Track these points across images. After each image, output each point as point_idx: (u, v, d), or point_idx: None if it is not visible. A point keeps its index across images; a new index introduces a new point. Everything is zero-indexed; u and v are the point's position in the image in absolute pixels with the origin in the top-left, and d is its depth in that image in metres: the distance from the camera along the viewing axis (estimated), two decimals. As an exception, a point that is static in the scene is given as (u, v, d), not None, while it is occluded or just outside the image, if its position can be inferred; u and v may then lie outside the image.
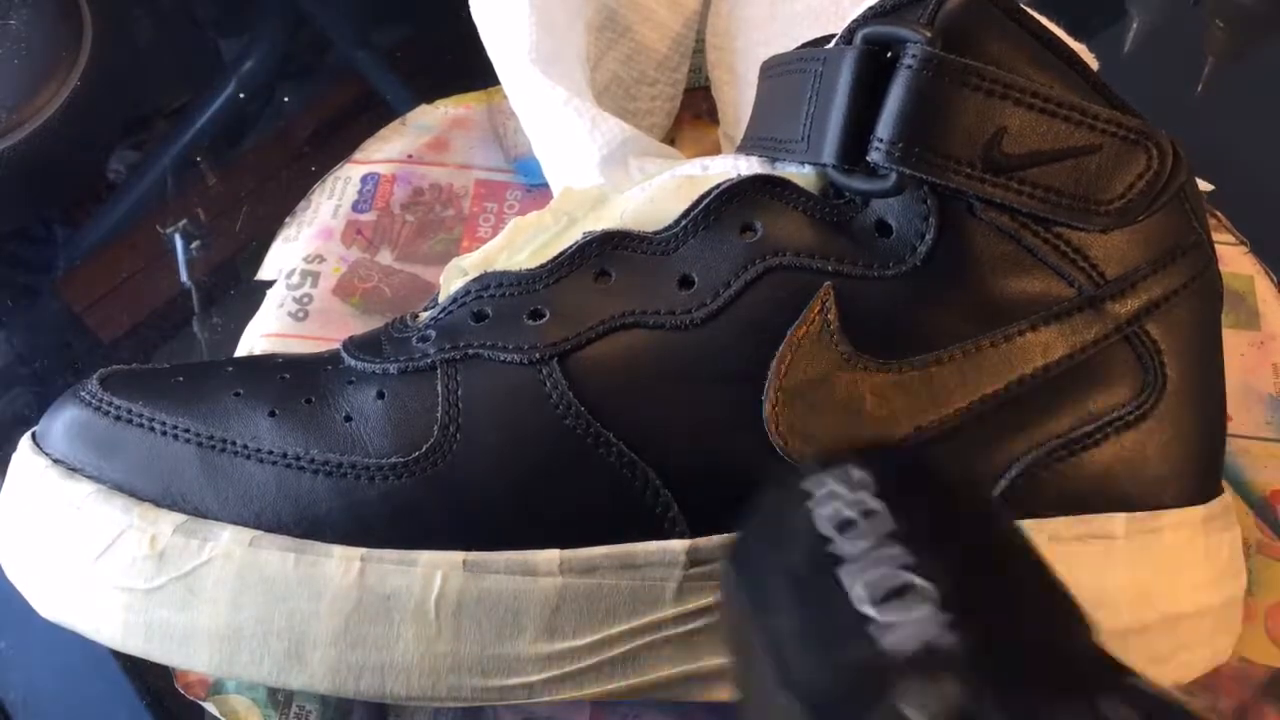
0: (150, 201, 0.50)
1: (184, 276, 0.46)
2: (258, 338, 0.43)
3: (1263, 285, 0.43)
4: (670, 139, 0.47)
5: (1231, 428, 0.40)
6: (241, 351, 0.43)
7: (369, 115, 0.50)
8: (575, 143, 0.39)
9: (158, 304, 0.46)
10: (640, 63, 0.44)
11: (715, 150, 0.47)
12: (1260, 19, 0.53)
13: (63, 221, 0.51)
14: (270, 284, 0.45)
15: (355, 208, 0.47)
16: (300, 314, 0.44)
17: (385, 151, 0.49)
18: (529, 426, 0.28)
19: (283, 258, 0.45)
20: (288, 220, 0.47)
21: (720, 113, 0.45)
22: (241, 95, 0.54)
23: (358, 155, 0.48)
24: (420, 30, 0.57)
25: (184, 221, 0.48)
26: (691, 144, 0.48)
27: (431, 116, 0.49)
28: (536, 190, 0.47)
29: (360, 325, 0.44)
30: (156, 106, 0.54)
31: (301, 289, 0.45)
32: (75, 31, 0.48)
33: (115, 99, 0.51)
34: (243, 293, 0.45)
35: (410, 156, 0.48)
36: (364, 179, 0.48)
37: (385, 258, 0.45)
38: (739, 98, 0.43)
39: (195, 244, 0.47)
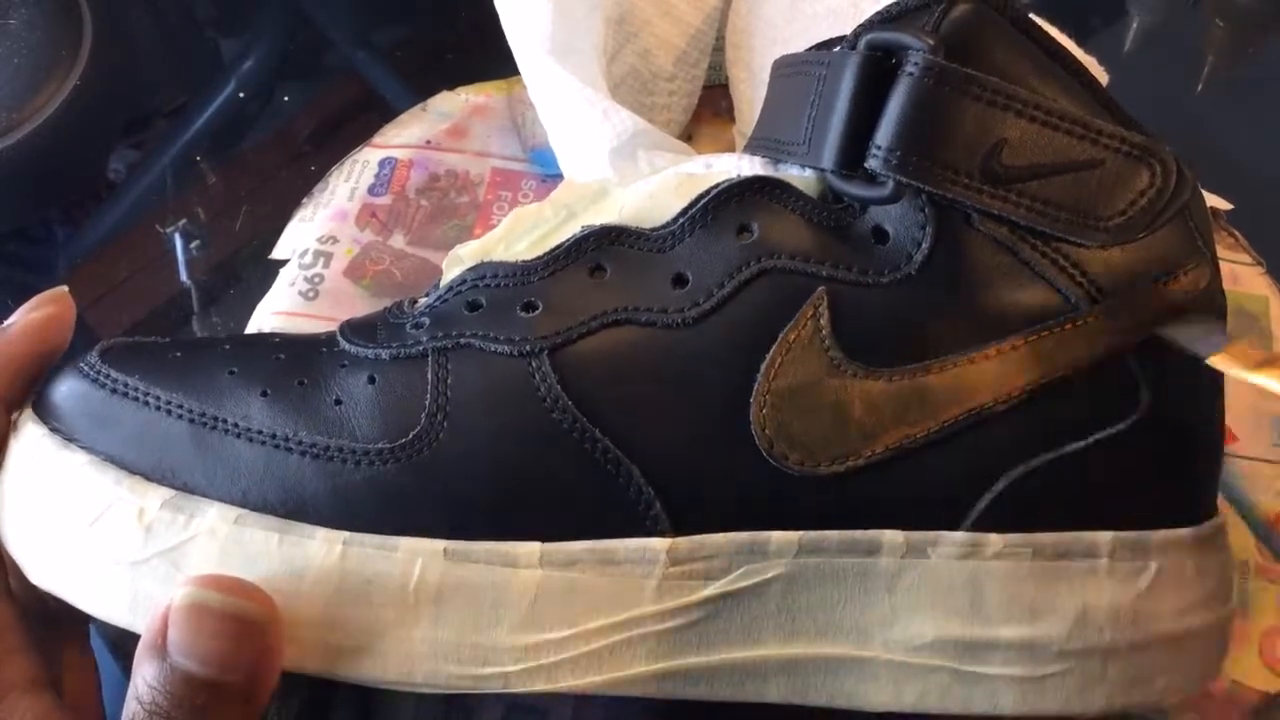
0: (150, 201, 0.50)
1: (183, 276, 0.47)
2: (268, 315, 0.44)
3: (1276, 307, 0.42)
4: (688, 135, 0.47)
5: (1237, 449, 0.40)
6: (251, 328, 0.44)
7: (369, 115, 0.51)
8: (586, 133, 0.39)
9: (157, 303, 0.47)
10: (659, 57, 0.44)
11: (732, 149, 0.47)
12: (1260, 18, 0.53)
13: (63, 221, 0.52)
14: (284, 263, 0.45)
15: (371, 191, 0.47)
16: (311, 293, 0.44)
17: (404, 136, 0.49)
18: (516, 418, 0.28)
19: (297, 237, 0.46)
20: (304, 201, 0.47)
21: (736, 111, 0.45)
22: (241, 95, 0.55)
23: (377, 139, 0.49)
24: (420, 30, 0.57)
25: (184, 221, 0.48)
26: (710, 141, 0.48)
27: (452, 103, 0.50)
28: (551, 181, 0.47)
29: (370, 307, 0.44)
30: (156, 106, 0.55)
31: (313, 269, 0.45)
32: (75, 31, 0.49)
33: (115, 98, 0.52)
34: (242, 292, 0.46)
35: (429, 142, 0.49)
36: (381, 163, 0.48)
37: (398, 241, 0.46)
38: (755, 96, 0.43)
39: (195, 243, 0.48)
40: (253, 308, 0.44)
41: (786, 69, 0.32)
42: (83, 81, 0.48)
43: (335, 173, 0.48)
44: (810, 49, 0.31)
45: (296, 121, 0.53)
